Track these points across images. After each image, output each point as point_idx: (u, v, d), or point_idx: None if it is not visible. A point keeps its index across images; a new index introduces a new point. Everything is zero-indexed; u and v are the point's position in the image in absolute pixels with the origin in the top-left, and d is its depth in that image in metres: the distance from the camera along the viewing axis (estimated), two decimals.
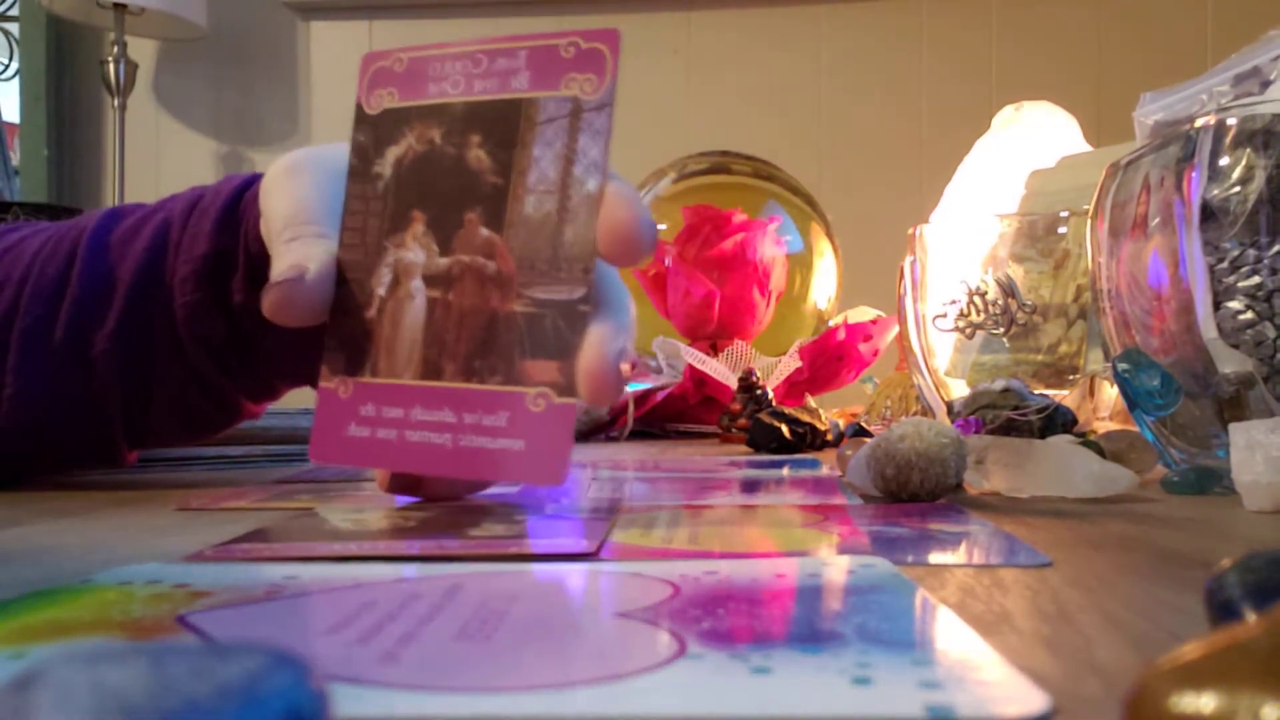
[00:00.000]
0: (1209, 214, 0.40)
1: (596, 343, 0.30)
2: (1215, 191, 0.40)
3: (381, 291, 0.33)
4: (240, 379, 0.42)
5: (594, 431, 0.90)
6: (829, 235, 1.15)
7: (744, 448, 0.72)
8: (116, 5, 1.78)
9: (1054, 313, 0.60)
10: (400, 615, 0.18)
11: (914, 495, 0.36)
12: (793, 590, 0.21)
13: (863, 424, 0.77)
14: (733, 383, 0.86)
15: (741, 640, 0.16)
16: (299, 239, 0.34)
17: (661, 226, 1.07)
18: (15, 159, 2.09)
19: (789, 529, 0.30)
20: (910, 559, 0.25)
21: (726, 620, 0.18)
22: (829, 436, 0.72)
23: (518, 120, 0.32)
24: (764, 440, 0.67)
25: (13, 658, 0.16)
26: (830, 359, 0.96)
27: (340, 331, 0.34)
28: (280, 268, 0.33)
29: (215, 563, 0.24)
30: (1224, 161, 0.40)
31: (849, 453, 0.40)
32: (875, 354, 0.99)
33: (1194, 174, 0.40)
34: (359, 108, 0.35)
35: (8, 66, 2.15)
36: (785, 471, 0.51)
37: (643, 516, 0.32)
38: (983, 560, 0.25)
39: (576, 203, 0.31)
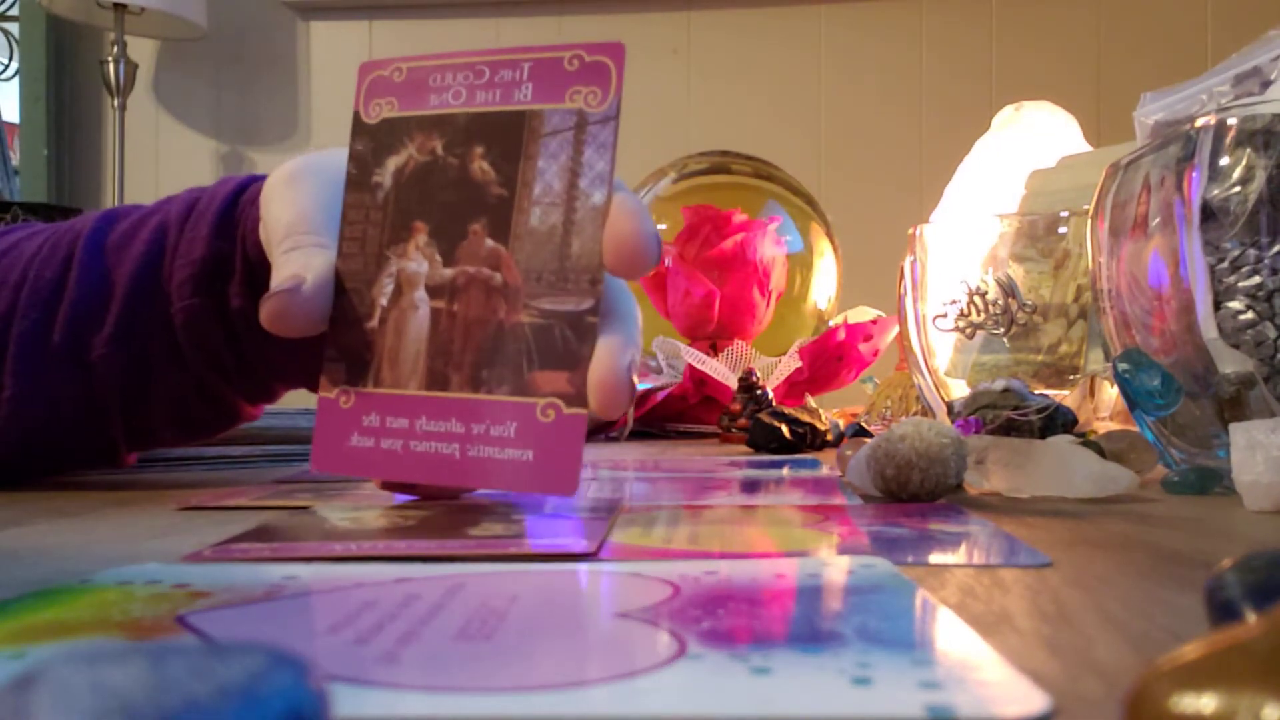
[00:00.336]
0: (1209, 214, 0.40)
1: (607, 354, 0.30)
2: (1215, 191, 0.40)
3: (384, 301, 0.33)
4: (238, 382, 0.42)
5: (594, 432, 0.90)
6: (829, 235, 1.15)
7: (744, 448, 0.72)
8: (116, 5, 1.78)
9: (1054, 313, 0.60)
10: (400, 615, 0.18)
11: (914, 495, 0.36)
12: (793, 590, 0.21)
13: (863, 424, 0.77)
14: (733, 383, 0.86)
15: (741, 640, 0.16)
16: (298, 249, 0.34)
17: (661, 226, 1.07)
18: (15, 159, 2.09)
19: (789, 529, 0.30)
20: (910, 559, 0.25)
21: (726, 620, 0.18)
22: (829, 436, 0.71)
23: (522, 132, 0.32)
24: (764, 440, 0.67)
25: (13, 658, 0.16)
26: (830, 359, 0.96)
27: (340, 341, 0.34)
28: (279, 278, 0.33)
29: (215, 563, 0.24)
30: (1224, 161, 0.40)
31: (849, 453, 0.40)
32: (875, 354, 0.99)
33: (1194, 174, 0.40)
34: (357, 117, 0.35)
35: (8, 66, 2.15)
36: (785, 471, 0.51)
37: (643, 516, 0.32)
38: (983, 560, 0.25)
39: (583, 215, 0.31)
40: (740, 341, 0.99)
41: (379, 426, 0.32)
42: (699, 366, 0.90)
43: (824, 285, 1.14)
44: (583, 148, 0.31)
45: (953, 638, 0.17)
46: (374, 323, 0.33)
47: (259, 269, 0.39)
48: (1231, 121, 0.40)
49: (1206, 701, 0.10)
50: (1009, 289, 0.60)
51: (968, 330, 0.61)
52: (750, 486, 0.43)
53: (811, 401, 0.89)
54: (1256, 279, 0.39)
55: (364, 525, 0.30)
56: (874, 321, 1.00)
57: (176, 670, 0.09)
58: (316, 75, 2.03)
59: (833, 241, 1.16)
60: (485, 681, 0.14)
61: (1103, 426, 0.58)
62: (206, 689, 0.09)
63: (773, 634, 0.17)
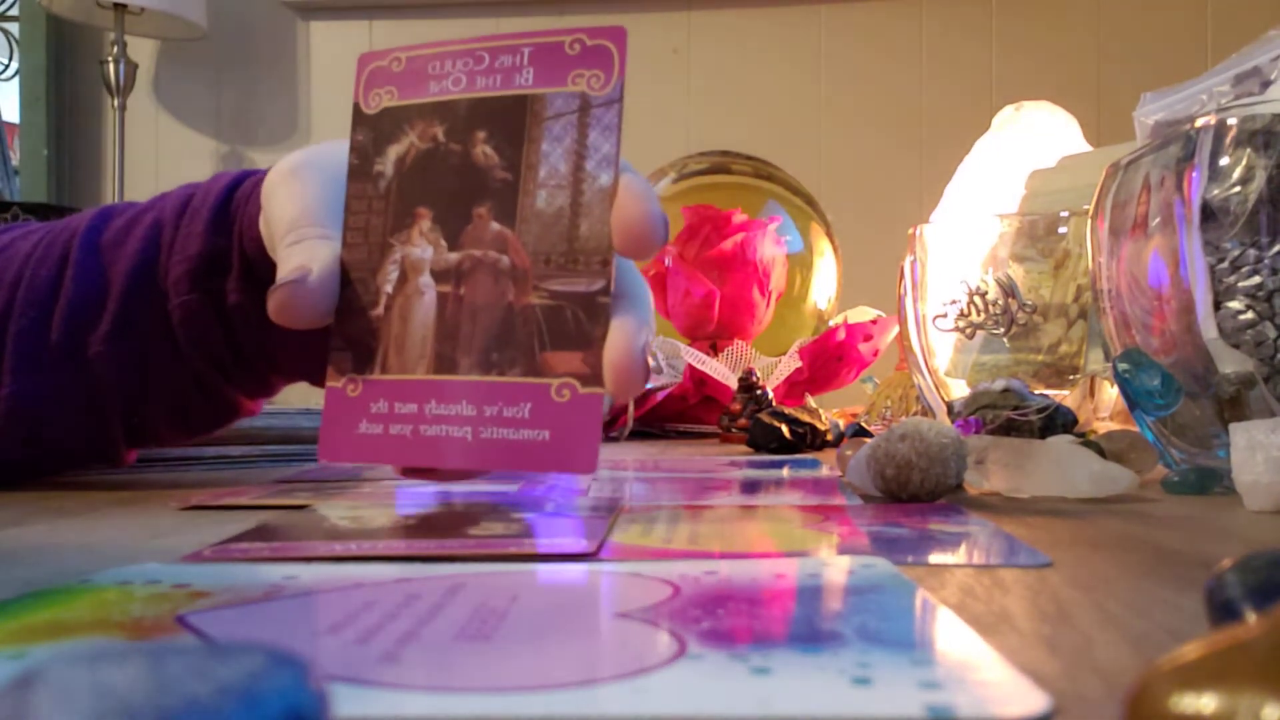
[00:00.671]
0: (1209, 214, 0.40)
1: (621, 335, 0.30)
2: (1215, 191, 0.40)
3: (389, 289, 0.33)
4: (236, 377, 0.42)
5: None
6: (829, 235, 1.15)
7: (744, 448, 0.72)
8: (116, 5, 1.78)
9: (1054, 313, 0.60)
10: (400, 615, 0.18)
11: (914, 495, 0.36)
12: (793, 590, 0.21)
13: (863, 424, 0.77)
14: (733, 383, 0.86)
15: (741, 640, 0.16)
16: (302, 241, 0.34)
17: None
18: (15, 159, 2.09)
19: (789, 529, 0.30)
20: (910, 559, 0.25)
21: (726, 620, 0.18)
22: (829, 436, 0.71)
23: (524, 116, 0.32)
24: (764, 440, 0.67)
25: (13, 658, 0.16)
26: (830, 359, 0.96)
27: (346, 331, 0.34)
28: (284, 270, 0.33)
29: (215, 563, 0.24)
30: (1224, 161, 0.40)
31: (849, 453, 0.40)
32: (875, 354, 0.99)
33: (1194, 174, 0.40)
34: (357, 108, 0.35)
35: (8, 66, 2.15)
36: (785, 471, 0.51)
37: (643, 516, 0.32)
38: (983, 560, 0.25)
39: (590, 197, 0.31)
40: (740, 341, 0.99)
41: (387, 413, 0.32)
42: (699, 366, 0.90)
43: (824, 285, 1.14)
44: (587, 131, 0.31)
45: (953, 638, 0.17)
46: (379, 310, 0.33)
47: (256, 264, 0.39)
48: (1231, 121, 0.40)
49: (1206, 701, 0.10)
50: (1009, 289, 0.60)
51: (968, 330, 0.61)
52: (750, 486, 0.43)
53: (811, 401, 0.89)
54: (1256, 279, 0.39)
55: (364, 525, 0.30)
56: (874, 321, 1.00)
57: (176, 670, 0.09)
58: (316, 75, 2.03)
59: (833, 241, 1.16)
60: (485, 681, 0.14)
61: (1103, 426, 0.58)
62: (206, 689, 0.09)
63: (773, 634, 0.17)
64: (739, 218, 1.03)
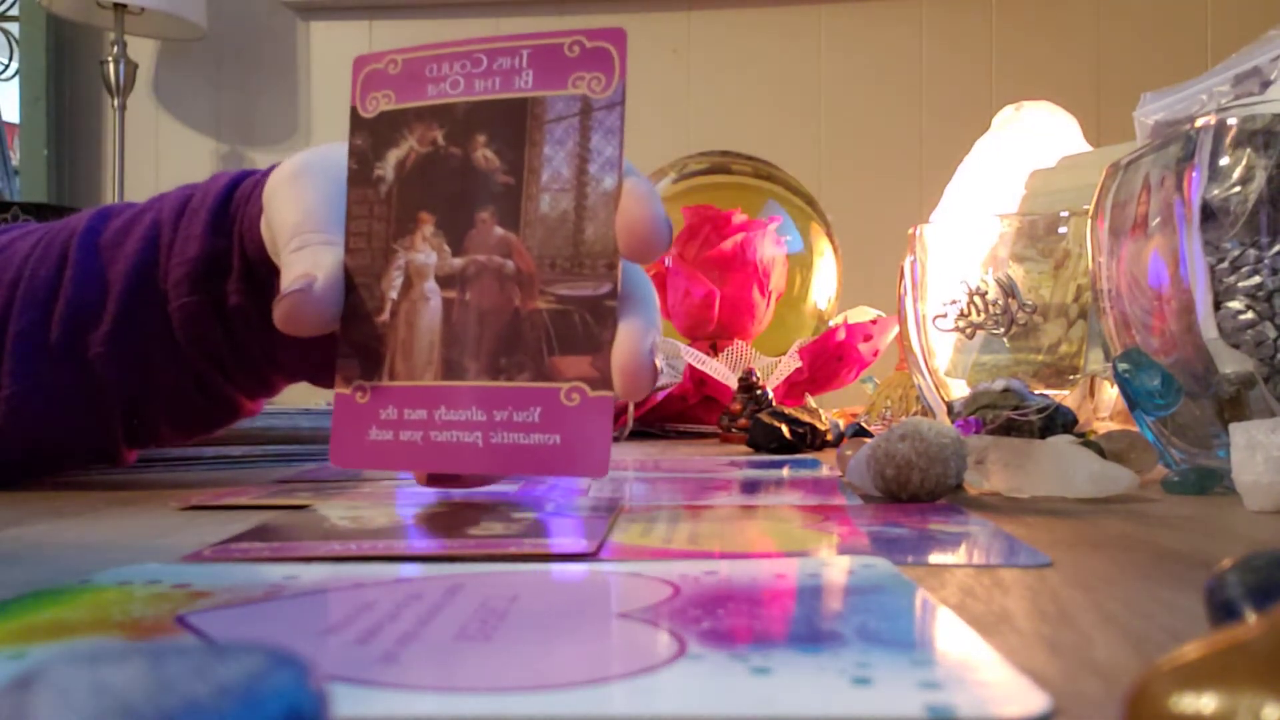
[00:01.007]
0: (1209, 214, 0.40)
1: (628, 338, 0.30)
2: (1215, 191, 0.40)
3: (393, 295, 0.33)
4: (237, 377, 0.42)
5: None
6: (829, 235, 1.15)
7: (744, 448, 0.72)
8: (116, 5, 1.78)
9: (1054, 313, 0.60)
10: (400, 615, 0.18)
11: (914, 495, 0.36)
12: (793, 590, 0.21)
13: (863, 424, 0.77)
14: (733, 383, 0.86)
15: (741, 640, 0.16)
16: (306, 247, 0.34)
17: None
18: (15, 159, 2.09)
19: (789, 529, 0.30)
20: (910, 559, 0.25)
21: (726, 620, 0.18)
22: (829, 436, 0.72)
23: (525, 119, 0.32)
24: (764, 440, 0.67)
25: (13, 658, 0.16)
26: (830, 359, 0.96)
27: (352, 337, 0.33)
28: (289, 278, 0.33)
29: (215, 563, 0.24)
30: (1224, 161, 0.40)
31: (849, 453, 0.40)
32: (875, 354, 0.99)
33: (1194, 174, 0.40)
34: (354, 112, 0.35)
35: (8, 66, 2.15)
36: (785, 471, 0.51)
37: (643, 516, 0.32)
38: (983, 560, 0.25)
39: (594, 200, 0.31)
40: (740, 341, 0.99)
41: (396, 419, 0.32)
42: (699, 366, 0.90)
43: (824, 285, 1.14)
44: (589, 134, 0.31)
45: (953, 638, 0.17)
46: (385, 316, 0.33)
47: (257, 266, 0.39)
48: (1231, 121, 0.40)
49: (1206, 701, 0.10)
50: (1009, 289, 0.60)
51: (968, 330, 0.61)
52: (750, 486, 0.43)
53: (811, 401, 0.89)
54: (1256, 279, 0.39)
55: (364, 525, 0.30)
56: (874, 321, 1.00)
57: (176, 670, 0.09)
58: (316, 75, 2.03)
59: (833, 241, 1.16)
60: (485, 681, 0.14)
61: (1103, 426, 0.58)
62: (206, 689, 0.09)
63: (773, 634, 0.17)
64: (739, 218, 1.03)
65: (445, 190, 0.33)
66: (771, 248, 1.03)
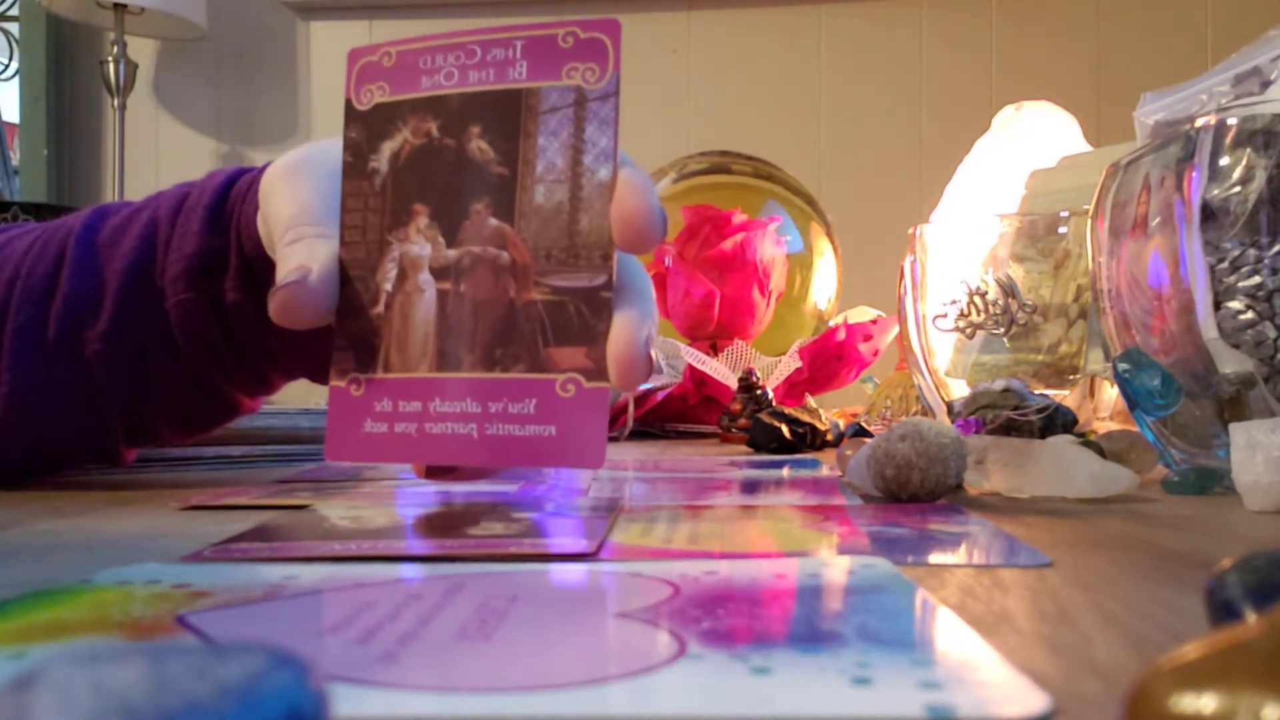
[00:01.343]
0: (1209, 214, 0.40)
1: (624, 329, 0.30)
2: (1215, 191, 0.40)
3: (388, 287, 0.33)
4: (235, 375, 0.42)
5: None
6: (829, 235, 1.15)
7: (744, 448, 0.72)
8: (116, 5, 1.78)
9: (1054, 313, 0.60)
10: (400, 615, 0.18)
11: (914, 495, 0.36)
12: (793, 590, 0.21)
13: (863, 424, 0.77)
14: (733, 383, 0.86)
15: (741, 640, 0.16)
16: (301, 240, 0.34)
17: (666, 234, 1.07)
18: (15, 159, 2.09)
19: (789, 529, 0.30)
20: (910, 559, 0.25)
21: (726, 620, 0.18)
22: (829, 436, 0.71)
23: (519, 110, 0.32)
24: (764, 440, 0.67)
25: (13, 658, 0.16)
26: (830, 359, 0.96)
27: (347, 330, 0.33)
28: (284, 270, 0.33)
29: (215, 563, 0.24)
30: (1224, 161, 0.40)
31: (849, 453, 0.40)
32: (875, 354, 0.99)
33: (1194, 174, 0.40)
34: (349, 104, 0.35)
35: (8, 66, 2.15)
36: (785, 471, 0.51)
37: (643, 516, 0.32)
38: (983, 560, 0.25)
39: (589, 191, 0.31)
40: (740, 341, 0.99)
41: (392, 411, 0.32)
42: (699, 366, 0.90)
43: (824, 285, 1.14)
44: (584, 125, 0.31)
45: (953, 638, 0.17)
46: (380, 309, 0.33)
47: (254, 263, 0.39)
48: (1231, 121, 0.40)
49: (1206, 701, 0.10)
50: (1009, 289, 0.60)
51: (968, 330, 0.61)
52: (750, 486, 0.43)
53: (811, 401, 0.89)
54: (1256, 279, 0.39)
55: (364, 525, 0.30)
56: (874, 321, 1.00)
57: (176, 670, 0.09)
58: (316, 75, 2.03)
59: (833, 241, 1.16)
60: (485, 681, 0.14)
61: (1103, 426, 0.58)
62: (206, 689, 0.09)
63: (773, 634, 0.17)
64: (739, 218, 1.03)
65: (440, 182, 0.33)
66: (771, 248, 1.03)
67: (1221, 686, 0.10)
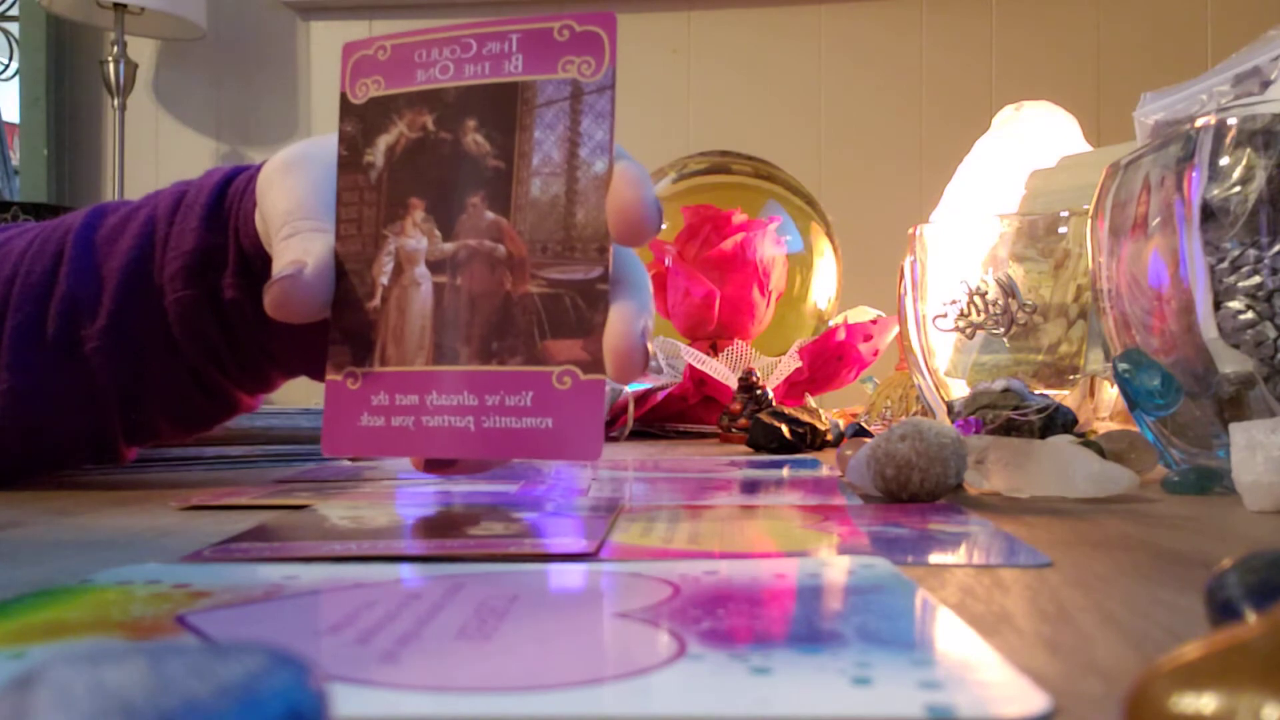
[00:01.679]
0: (1209, 214, 0.40)
1: (620, 320, 0.30)
2: (1215, 191, 0.40)
3: (384, 280, 0.33)
4: (235, 372, 0.43)
5: None
6: (829, 235, 1.16)
7: (744, 448, 0.72)
8: (116, 5, 1.78)
9: (1054, 313, 0.60)
10: (400, 615, 0.18)
11: (914, 495, 0.36)
12: (793, 590, 0.21)
13: (863, 424, 0.77)
14: (733, 383, 0.86)
15: (741, 640, 0.16)
16: (297, 235, 0.34)
17: (662, 226, 1.07)
18: (15, 159, 2.09)
19: (789, 529, 0.30)
20: (910, 559, 0.25)
21: (726, 620, 0.18)
22: (829, 436, 0.72)
23: (515, 103, 0.32)
24: (764, 440, 0.67)
25: (13, 658, 0.16)
26: (830, 359, 0.96)
27: (343, 324, 0.33)
28: (279, 265, 0.33)
29: (215, 563, 0.24)
30: (1224, 161, 0.40)
31: (849, 453, 0.40)
32: (875, 354, 0.99)
33: (1194, 174, 0.40)
34: (344, 98, 0.35)
35: (8, 66, 2.15)
36: (785, 471, 0.51)
37: (643, 516, 0.32)
38: (983, 560, 0.25)
39: (585, 185, 0.31)
40: (740, 341, 0.99)
41: (388, 405, 0.32)
42: (699, 366, 0.90)
43: (824, 285, 1.14)
44: (580, 118, 0.31)
45: (953, 638, 0.17)
46: (376, 302, 0.33)
47: (253, 260, 0.39)
48: (1231, 121, 0.40)
49: (1206, 701, 0.10)
50: (1009, 289, 0.60)
51: (968, 330, 0.61)
52: (750, 486, 0.43)
53: (811, 401, 0.89)
54: (1256, 279, 0.39)
55: (364, 525, 0.30)
56: (874, 321, 1.00)
57: (176, 670, 0.09)
58: (316, 75, 2.03)
59: (833, 241, 1.16)
60: (485, 681, 0.14)
61: (1103, 426, 0.58)
62: (206, 689, 0.09)
63: (773, 634, 0.17)
64: (739, 218, 1.03)
65: (435, 175, 0.33)
66: (771, 248, 1.03)
67: (1221, 686, 0.10)
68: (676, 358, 0.93)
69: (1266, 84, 0.58)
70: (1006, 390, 0.50)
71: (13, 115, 2.09)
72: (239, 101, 2.05)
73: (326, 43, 2.04)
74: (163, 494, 0.41)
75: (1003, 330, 0.60)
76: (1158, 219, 0.42)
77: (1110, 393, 0.59)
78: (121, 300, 0.41)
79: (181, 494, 0.40)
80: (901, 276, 0.66)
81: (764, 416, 0.69)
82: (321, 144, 0.37)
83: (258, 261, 0.39)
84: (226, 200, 0.41)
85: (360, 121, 0.34)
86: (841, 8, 1.91)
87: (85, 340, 0.41)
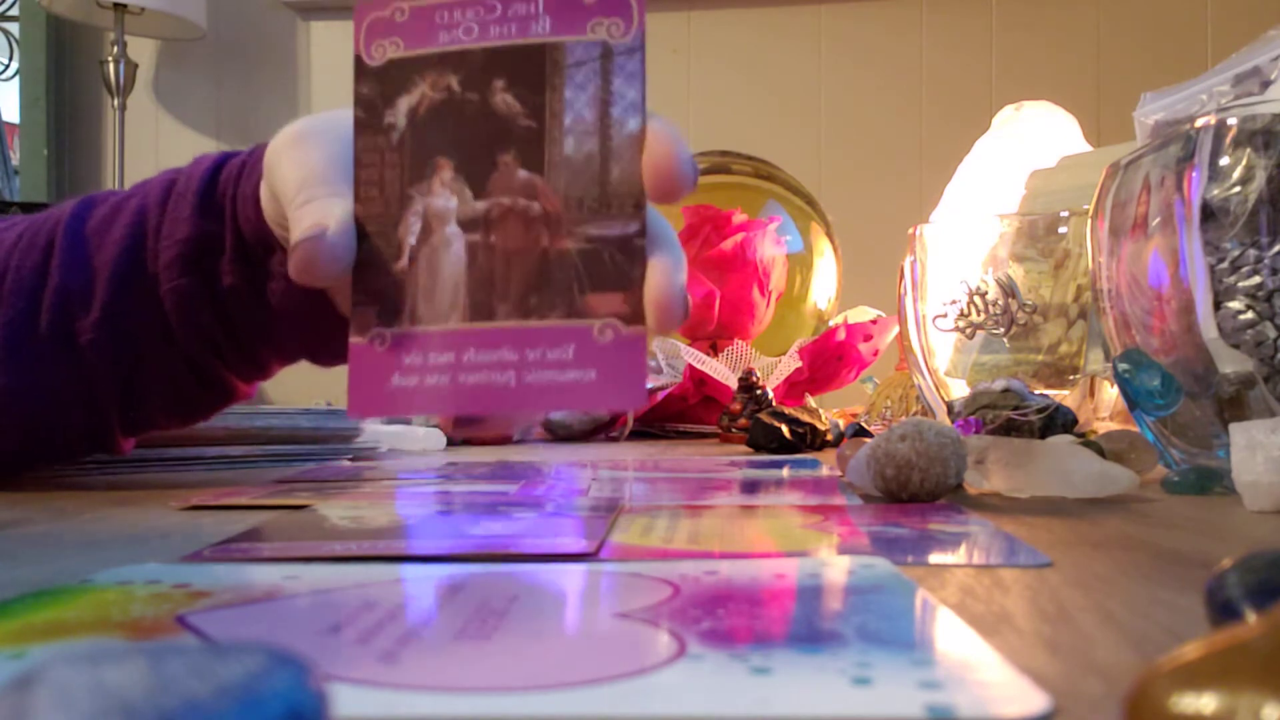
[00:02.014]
0: (1209, 214, 0.40)
1: (659, 273, 0.30)
2: (1215, 191, 0.40)
3: (412, 240, 0.33)
4: (232, 359, 0.42)
5: (594, 431, 0.90)
6: (829, 235, 1.15)
7: (744, 448, 0.72)
8: (116, 5, 1.78)
9: (1054, 313, 0.60)
10: (400, 615, 0.18)
11: (914, 495, 0.36)
12: (793, 590, 0.21)
13: (863, 424, 0.77)
14: (733, 383, 0.86)
15: (741, 640, 0.16)
16: (314, 200, 0.34)
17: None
18: (15, 159, 2.09)
19: (789, 529, 0.30)
20: (910, 559, 0.25)
21: (726, 620, 0.18)
22: (829, 436, 0.72)
23: (544, 64, 0.32)
24: (764, 440, 0.67)
25: (13, 658, 0.16)
26: (830, 359, 0.96)
27: (368, 286, 0.33)
28: (300, 230, 0.33)
29: (215, 563, 0.24)
30: (1224, 161, 0.40)
31: (849, 453, 0.40)
32: (875, 354, 0.99)
33: (1194, 174, 0.40)
34: (359, 60, 0.35)
35: (8, 66, 2.15)
36: (785, 471, 0.51)
37: (643, 516, 0.32)
38: (983, 560, 0.25)
39: (619, 143, 0.31)
40: (740, 341, 0.99)
41: (422, 364, 0.32)
42: (699, 366, 0.90)
43: (824, 285, 1.14)
44: (611, 78, 0.31)
45: (953, 638, 0.17)
46: (404, 263, 0.33)
47: (251, 245, 0.39)
48: (1231, 121, 0.40)
49: (1206, 701, 0.10)
50: (1009, 289, 0.60)
51: (968, 330, 0.61)
52: (750, 486, 0.43)
53: (811, 401, 0.89)
54: (1256, 279, 0.39)
55: (364, 525, 0.30)
56: (874, 321, 1.00)
57: (176, 670, 0.09)
58: (316, 75, 2.03)
59: (833, 241, 1.16)
60: (485, 681, 0.14)
61: (1103, 426, 0.58)
62: (206, 689, 0.09)
63: (773, 634, 0.17)
64: (739, 218, 1.03)
65: (464, 135, 0.33)
66: (771, 248, 1.03)
67: (1221, 686, 0.10)
68: (676, 358, 0.93)
69: (1266, 84, 0.58)
70: (1006, 390, 0.50)
71: (13, 115, 2.09)
72: (239, 101, 2.05)
73: (326, 43, 2.04)
74: (163, 494, 0.41)
75: (1003, 330, 0.60)
76: (1158, 219, 0.42)
77: (1110, 393, 0.59)
78: (115, 291, 0.40)
79: (182, 494, 0.40)
80: (901, 276, 0.66)
81: (764, 416, 0.69)
82: (329, 117, 0.37)
83: (256, 248, 0.39)
84: (219, 186, 0.41)
85: (378, 83, 0.34)
86: (841, 8, 1.91)
87: (80, 333, 0.41)
